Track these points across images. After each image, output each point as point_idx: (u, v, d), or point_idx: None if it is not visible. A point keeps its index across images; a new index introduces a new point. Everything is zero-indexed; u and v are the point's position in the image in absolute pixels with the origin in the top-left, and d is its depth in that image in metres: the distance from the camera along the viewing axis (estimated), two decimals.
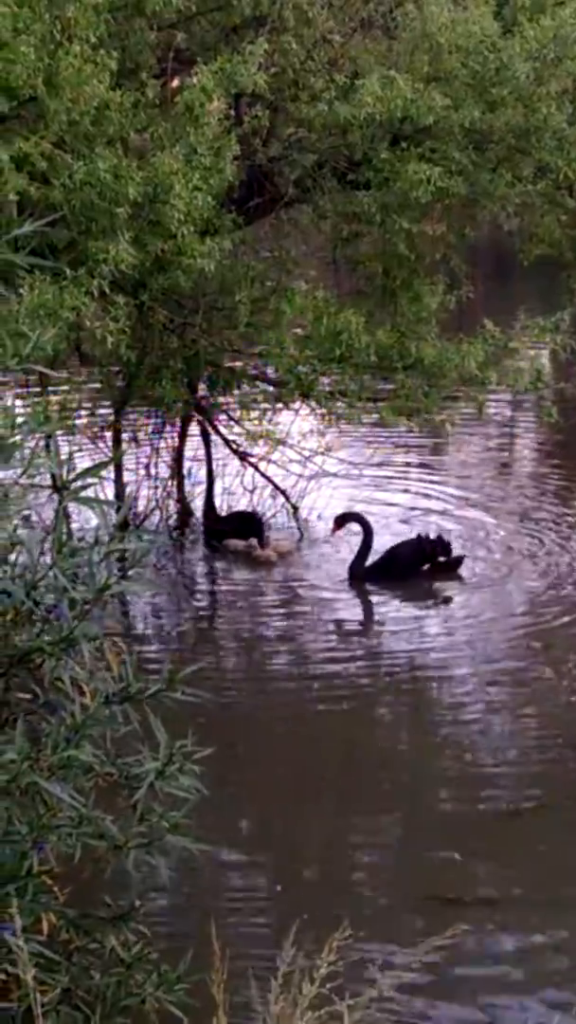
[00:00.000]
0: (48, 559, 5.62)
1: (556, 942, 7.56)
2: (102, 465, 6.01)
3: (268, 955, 5.12)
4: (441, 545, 13.48)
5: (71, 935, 5.82)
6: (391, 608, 13.18)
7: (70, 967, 5.72)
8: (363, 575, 13.34)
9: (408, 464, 17.32)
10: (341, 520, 13.87)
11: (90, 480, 5.76)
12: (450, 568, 13.41)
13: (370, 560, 13.45)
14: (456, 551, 13.63)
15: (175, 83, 12.76)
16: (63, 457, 5.81)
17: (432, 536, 13.62)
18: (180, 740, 5.76)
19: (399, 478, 16.64)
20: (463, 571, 13.52)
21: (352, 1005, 4.64)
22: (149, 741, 5.80)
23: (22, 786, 5.37)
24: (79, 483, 5.77)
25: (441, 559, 13.41)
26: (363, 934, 5.06)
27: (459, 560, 13.50)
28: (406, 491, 16.19)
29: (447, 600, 13.14)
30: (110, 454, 13.52)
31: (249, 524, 14.23)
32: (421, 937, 6.62)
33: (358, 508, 14.62)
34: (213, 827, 8.43)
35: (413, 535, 13.77)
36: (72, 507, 5.97)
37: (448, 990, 7.03)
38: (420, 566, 13.37)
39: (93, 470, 5.82)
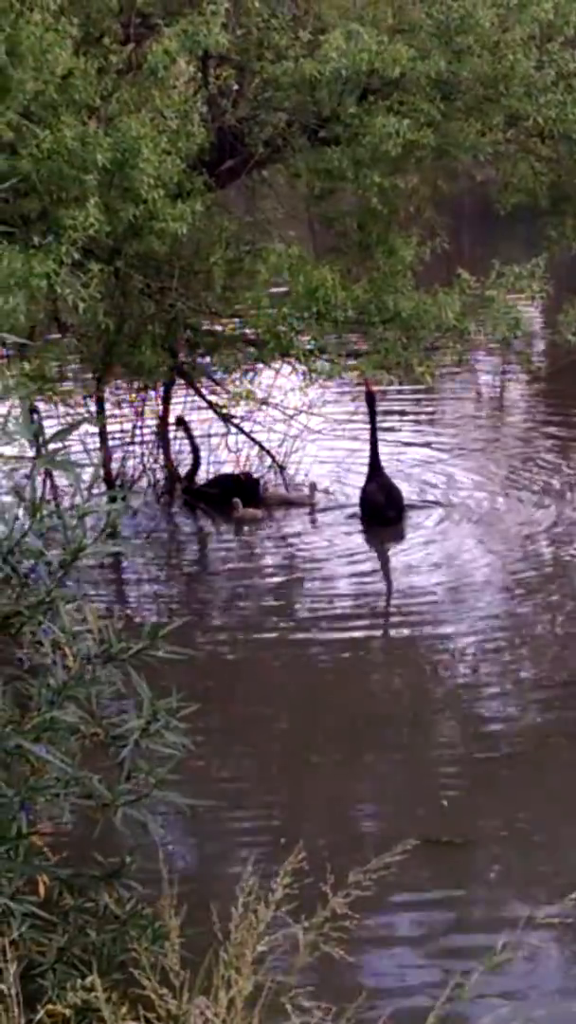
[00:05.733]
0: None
1: (526, 881, 7.66)
2: (72, 427, 6.03)
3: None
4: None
5: (65, 895, 5.89)
6: (382, 556, 13.27)
7: (66, 927, 5.79)
8: None
9: (397, 416, 17.37)
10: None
11: (61, 443, 5.81)
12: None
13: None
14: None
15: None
16: (35, 424, 5.86)
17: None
18: (167, 697, 5.82)
19: (387, 430, 16.68)
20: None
21: (307, 927, 4.72)
22: (139, 700, 5.85)
23: (7, 749, 5.43)
24: (52, 446, 5.82)
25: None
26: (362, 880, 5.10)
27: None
28: (395, 443, 16.22)
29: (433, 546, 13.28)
30: (95, 423, 13.56)
31: (236, 486, 14.29)
32: (410, 876, 6.78)
33: (345, 464, 14.87)
34: (214, 780, 8.59)
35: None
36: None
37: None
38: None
39: (64, 432, 5.85)
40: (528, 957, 6.28)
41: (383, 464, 13.92)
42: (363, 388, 14.01)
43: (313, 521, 13.96)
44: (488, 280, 12.25)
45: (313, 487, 14.28)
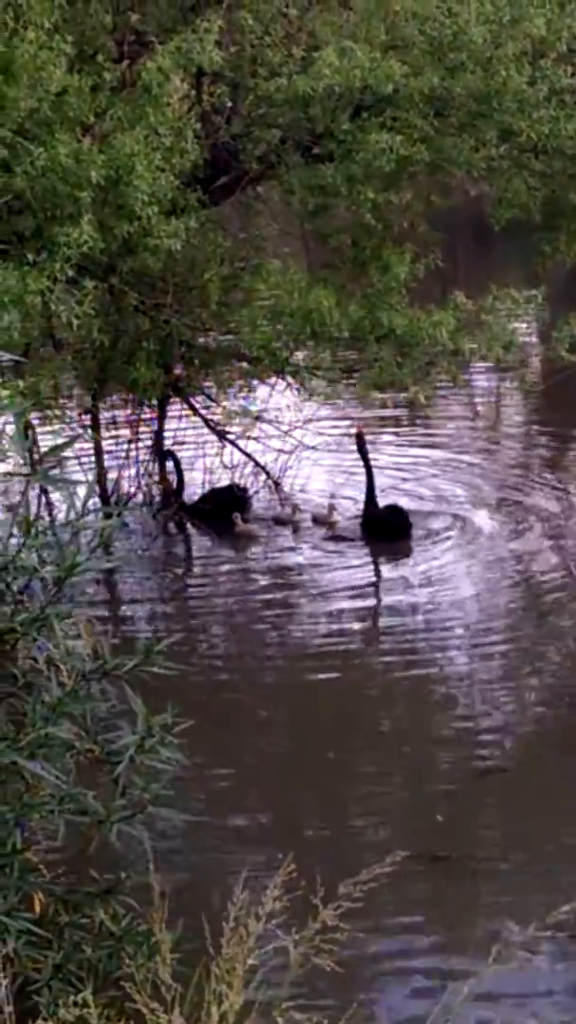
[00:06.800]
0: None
1: (520, 896, 7.65)
2: (67, 443, 6.03)
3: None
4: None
5: (60, 911, 5.88)
6: (378, 572, 13.27)
7: (61, 944, 5.79)
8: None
9: (393, 433, 17.39)
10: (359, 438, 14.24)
11: (56, 460, 5.82)
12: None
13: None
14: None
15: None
16: (29, 440, 5.85)
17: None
18: (162, 714, 5.82)
19: (384, 447, 16.68)
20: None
21: (297, 940, 4.72)
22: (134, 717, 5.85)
23: (2, 765, 5.43)
24: (46, 463, 5.82)
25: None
26: (352, 892, 5.10)
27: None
28: (392, 458, 16.23)
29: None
30: (90, 439, 13.57)
31: (230, 499, 14.28)
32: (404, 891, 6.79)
33: (339, 480, 14.90)
34: (209, 796, 8.58)
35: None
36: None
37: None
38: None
39: (58, 448, 5.85)
40: (519, 970, 6.28)
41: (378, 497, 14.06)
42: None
43: (333, 538, 13.94)
44: (485, 304, 12.30)
45: (332, 507, 14.26)
